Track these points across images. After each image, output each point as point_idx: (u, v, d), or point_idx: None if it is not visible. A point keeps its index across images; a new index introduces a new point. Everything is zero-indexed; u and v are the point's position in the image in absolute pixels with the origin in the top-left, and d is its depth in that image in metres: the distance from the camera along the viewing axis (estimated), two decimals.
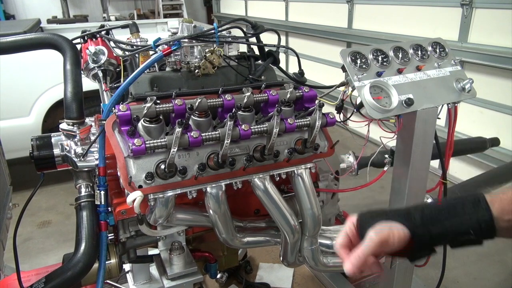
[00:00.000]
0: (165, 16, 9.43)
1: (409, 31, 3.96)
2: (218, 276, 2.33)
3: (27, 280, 1.40)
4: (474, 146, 2.77)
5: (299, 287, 2.46)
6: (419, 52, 1.55)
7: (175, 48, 1.36)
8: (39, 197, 3.57)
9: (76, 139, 1.36)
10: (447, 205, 0.84)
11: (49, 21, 8.23)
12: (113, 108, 1.23)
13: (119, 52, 1.54)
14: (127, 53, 1.49)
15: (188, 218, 1.40)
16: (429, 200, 1.89)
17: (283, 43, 4.27)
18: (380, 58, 1.46)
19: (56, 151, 1.36)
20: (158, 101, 1.21)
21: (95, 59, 1.51)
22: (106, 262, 1.40)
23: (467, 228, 0.80)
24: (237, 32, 1.60)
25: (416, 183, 1.55)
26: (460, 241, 0.82)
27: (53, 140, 1.38)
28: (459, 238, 0.82)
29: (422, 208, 0.85)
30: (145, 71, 1.35)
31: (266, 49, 1.65)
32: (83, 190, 1.37)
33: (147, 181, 1.18)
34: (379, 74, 1.41)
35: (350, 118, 1.48)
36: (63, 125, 1.35)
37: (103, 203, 1.35)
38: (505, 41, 3.05)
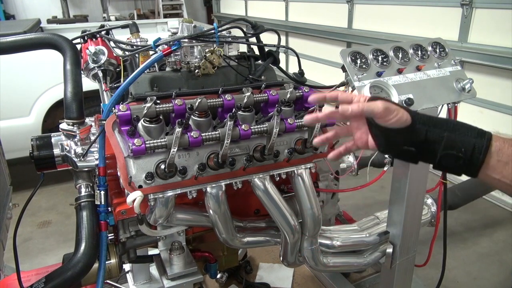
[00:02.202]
0: (165, 16, 9.43)
1: (409, 31, 3.97)
2: (218, 276, 2.33)
3: (27, 280, 1.40)
4: None
5: (299, 287, 2.46)
6: (419, 52, 1.55)
7: (175, 48, 1.36)
8: (39, 197, 3.57)
9: (76, 139, 1.36)
10: (454, 122, 0.86)
11: (49, 21, 8.23)
12: (113, 108, 1.23)
13: (119, 52, 1.54)
14: (127, 53, 1.49)
15: (188, 218, 1.40)
16: (429, 200, 1.90)
17: (283, 43, 4.27)
18: (380, 58, 1.46)
19: (56, 151, 1.36)
20: (158, 101, 1.21)
21: (95, 59, 1.51)
22: (106, 262, 1.39)
23: (460, 147, 0.82)
24: (237, 32, 1.60)
25: (416, 183, 1.55)
26: (447, 156, 0.84)
27: (53, 140, 1.38)
28: (448, 152, 0.83)
29: (429, 115, 0.87)
30: (145, 71, 1.35)
31: (266, 49, 1.65)
32: (83, 190, 1.37)
33: (147, 181, 1.18)
34: (379, 74, 1.41)
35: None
36: (63, 125, 1.35)
37: (103, 203, 1.35)
38: (505, 41, 3.05)
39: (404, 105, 1.37)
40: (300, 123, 1.31)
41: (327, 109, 0.94)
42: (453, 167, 0.86)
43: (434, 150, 0.85)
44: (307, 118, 0.98)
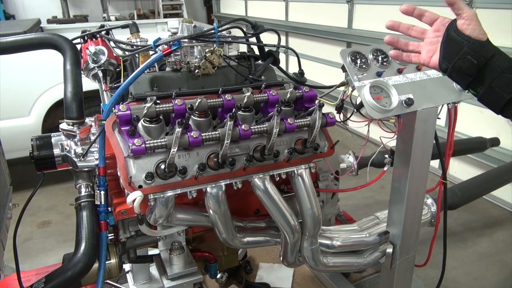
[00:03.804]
0: (165, 16, 9.43)
1: None
2: (218, 276, 2.32)
3: (27, 280, 1.40)
4: (474, 146, 2.78)
5: (299, 287, 2.46)
6: None
7: (175, 48, 1.36)
8: (39, 197, 3.57)
9: (76, 139, 1.36)
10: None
11: (49, 21, 8.23)
12: (113, 108, 1.23)
13: (119, 52, 1.54)
14: (127, 53, 1.49)
15: (188, 218, 1.40)
16: (429, 200, 1.90)
17: (283, 43, 4.27)
18: (380, 58, 1.46)
19: (56, 151, 1.36)
20: (158, 101, 1.21)
21: (95, 59, 1.51)
22: (106, 262, 1.39)
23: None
24: (237, 32, 1.60)
25: (416, 183, 1.55)
26: (501, 79, 0.89)
27: (53, 140, 1.38)
28: (505, 75, 0.88)
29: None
30: (145, 71, 1.35)
31: (266, 49, 1.65)
32: (83, 190, 1.37)
33: (147, 181, 1.18)
34: (379, 74, 1.41)
35: (350, 118, 1.48)
36: (63, 125, 1.35)
37: (103, 203, 1.35)
38: (505, 41, 3.05)
39: (404, 105, 1.38)
40: (300, 123, 1.31)
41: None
42: (501, 90, 0.90)
43: (492, 72, 0.90)
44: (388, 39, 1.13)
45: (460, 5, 0.96)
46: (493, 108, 0.94)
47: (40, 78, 3.38)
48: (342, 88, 1.46)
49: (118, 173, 1.23)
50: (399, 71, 1.46)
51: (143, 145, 1.12)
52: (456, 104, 1.54)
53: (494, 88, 0.90)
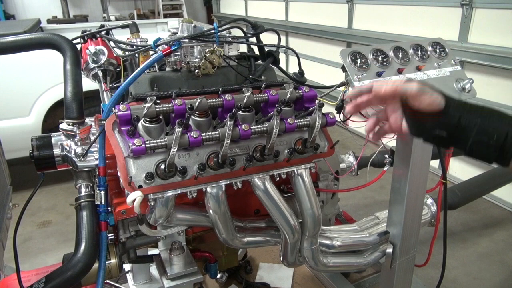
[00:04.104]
0: (165, 16, 9.44)
1: (409, 31, 3.96)
2: (218, 276, 2.33)
3: (27, 280, 1.40)
4: None
5: (299, 287, 2.46)
6: (419, 52, 1.55)
7: (175, 48, 1.36)
8: (39, 197, 3.57)
9: (76, 139, 1.36)
10: (489, 109, 0.86)
11: (49, 21, 8.24)
12: (113, 108, 1.23)
13: (119, 52, 1.54)
14: (127, 53, 1.49)
15: (188, 218, 1.40)
16: (429, 200, 1.90)
17: (283, 43, 4.27)
18: (380, 58, 1.46)
19: (56, 151, 1.36)
20: (158, 101, 1.21)
21: (95, 59, 1.51)
22: (106, 262, 1.39)
23: (493, 133, 0.81)
24: (237, 32, 1.60)
25: (416, 183, 1.55)
26: (478, 143, 0.83)
27: (53, 140, 1.38)
28: (480, 138, 0.82)
29: (461, 100, 0.88)
30: (145, 71, 1.35)
31: (266, 49, 1.65)
32: (83, 190, 1.37)
33: (147, 181, 1.18)
34: (379, 74, 1.41)
35: (350, 118, 1.48)
36: (63, 125, 1.35)
37: (103, 203, 1.35)
38: (505, 41, 3.05)
39: None
40: (300, 123, 1.31)
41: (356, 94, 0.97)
42: (484, 155, 0.85)
43: (466, 136, 0.84)
44: (349, 109, 1.01)
45: (400, 92, 0.86)
46: (484, 161, 0.90)
47: (40, 78, 3.38)
48: (342, 88, 1.46)
49: (118, 173, 1.23)
50: (399, 71, 1.46)
51: (143, 145, 1.12)
52: None
53: (476, 152, 0.86)
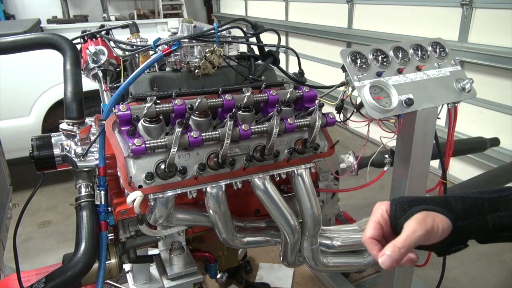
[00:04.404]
0: (165, 16, 9.43)
1: (409, 31, 3.96)
2: (218, 276, 2.33)
3: (27, 280, 1.40)
4: (474, 146, 2.77)
5: (299, 287, 2.46)
6: (419, 52, 1.54)
7: (175, 48, 1.36)
8: (39, 197, 3.57)
9: (76, 139, 1.36)
10: (489, 197, 0.79)
11: (49, 21, 8.24)
12: (113, 108, 1.23)
13: (119, 52, 1.54)
14: (127, 53, 1.49)
15: (188, 218, 1.40)
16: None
17: (283, 43, 4.27)
18: (380, 58, 1.46)
19: (56, 151, 1.36)
20: (158, 101, 1.21)
21: (95, 59, 1.51)
22: (106, 262, 1.39)
23: (510, 223, 0.76)
24: (237, 32, 1.60)
25: (416, 183, 1.55)
26: (497, 237, 0.78)
27: (53, 140, 1.38)
28: (499, 234, 0.77)
29: (463, 198, 0.79)
30: (145, 71, 1.35)
31: (266, 49, 1.65)
32: (83, 190, 1.37)
33: (147, 181, 1.18)
34: (379, 74, 1.41)
35: (350, 118, 1.48)
36: (63, 125, 1.35)
37: (103, 203, 1.35)
38: (505, 41, 3.05)
39: (404, 105, 1.37)
40: (300, 123, 1.31)
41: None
42: (506, 241, 0.80)
43: (484, 233, 0.78)
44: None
45: (410, 245, 0.73)
46: None
47: (40, 78, 3.38)
48: (342, 88, 1.46)
49: (118, 173, 1.23)
50: (399, 71, 1.46)
51: (143, 145, 1.12)
52: (456, 104, 1.54)
53: (504, 240, 0.80)
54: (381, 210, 0.79)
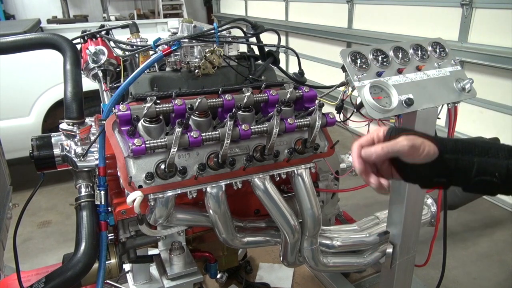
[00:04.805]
0: (165, 16, 9.44)
1: (409, 31, 3.96)
2: (218, 276, 2.32)
3: (27, 280, 1.40)
4: None
5: (299, 287, 2.46)
6: (419, 52, 1.55)
7: (175, 48, 1.36)
8: (39, 197, 3.57)
9: (76, 139, 1.36)
10: (481, 144, 0.83)
11: (49, 21, 8.25)
12: (113, 108, 1.23)
13: (119, 52, 1.54)
14: (127, 53, 1.49)
15: (188, 218, 1.40)
16: (429, 200, 1.90)
17: (283, 43, 4.27)
18: (380, 58, 1.46)
19: (56, 151, 1.36)
20: (158, 101, 1.21)
21: (95, 59, 1.51)
22: (106, 262, 1.39)
23: (494, 170, 0.79)
24: (237, 32, 1.60)
25: None
26: (480, 181, 0.81)
27: (53, 140, 1.38)
28: (481, 178, 0.80)
29: (455, 140, 0.85)
30: (145, 71, 1.35)
31: (266, 49, 1.65)
32: (83, 190, 1.37)
33: (147, 181, 1.18)
34: (379, 74, 1.41)
35: (350, 118, 1.48)
36: (63, 125, 1.35)
37: (103, 203, 1.35)
38: (505, 41, 3.05)
39: (404, 105, 1.38)
40: (300, 123, 1.31)
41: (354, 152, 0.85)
42: (488, 191, 0.84)
43: (466, 176, 0.81)
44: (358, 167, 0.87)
45: (392, 153, 0.80)
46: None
47: (40, 78, 3.38)
48: (342, 88, 1.46)
49: (118, 173, 1.23)
50: (399, 71, 1.46)
51: (143, 145, 1.12)
52: (456, 104, 1.54)
53: (478, 189, 0.84)
54: (378, 130, 0.85)
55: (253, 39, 1.60)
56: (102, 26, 1.69)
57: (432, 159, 0.81)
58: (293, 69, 1.64)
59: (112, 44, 1.56)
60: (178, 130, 1.11)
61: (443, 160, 0.81)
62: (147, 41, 1.55)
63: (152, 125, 1.20)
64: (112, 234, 1.49)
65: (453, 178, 0.83)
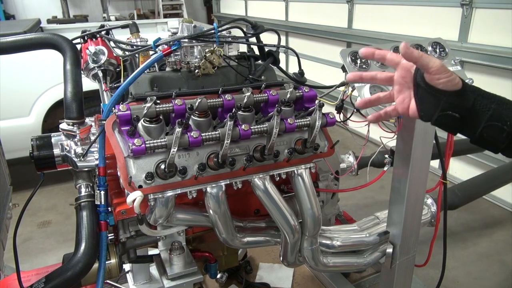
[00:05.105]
0: (165, 16, 9.44)
1: (409, 31, 3.97)
2: (218, 276, 2.33)
3: (27, 280, 1.40)
4: (474, 146, 2.78)
5: (299, 287, 2.46)
6: None
7: (175, 48, 1.36)
8: (39, 197, 3.57)
9: (76, 139, 1.36)
10: (503, 98, 0.86)
11: (49, 21, 8.25)
12: (113, 108, 1.23)
13: (119, 52, 1.54)
14: (127, 53, 1.49)
15: (188, 218, 1.40)
16: (429, 200, 1.90)
17: (283, 43, 4.27)
18: None
19: (56, 151, 1.36)
20: (158, 101, 1.21)
21: (95, 59, 1.51)
22: (106, 262, 1.39)
23: (506, 120, 0.82)
24: (237, 32, 1.60)
25: (416, 183, 1.55)
26: (491, 127, 0.83)
27: (53, 140, 1.38)
28: (493, 123, 0.82)
29: (480, 88, 0.87)
30: (145, 71, 1.35)
31: (266, 49, 1.65)
32: (83, 190, 1.37)
33: (147, 181, 1.18)
34: None
35: (350, 118, 1.48)
36: (63, 125, 1.35)
37: (103, 203, 1.35)
38: (505, 41, 3.05)
39: None
40: (300, 123, 1.31)
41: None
42: (494, 141, 0.85)
43: (478, 120, 0.83)
44: (350, 76, 0.98)
45: (423, 61, 0.83)
46: (490, 150, 0.90)
47: (40, 78, 3.38)
48: (342, 88, 1.46)
49: (118, 173, 1.23)
50: None
51: (143, 145, 1.12)
52: None
53: (486, 138, 0.85)
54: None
55: (253, 39, 1.60)
56: (102, 26, 1.69)
57: (453, 89, 0.84)
58: (293, 69, 1.64)
59: (112, 44, 1.56)
60: (178, 130, 1.11)
61: (464, 95, 0.84)
62: (147, 41, 1.55)
63: (152, 125, 1.20)
64: (112, 234, 1.49)
65: (467, 117, 0.85)
